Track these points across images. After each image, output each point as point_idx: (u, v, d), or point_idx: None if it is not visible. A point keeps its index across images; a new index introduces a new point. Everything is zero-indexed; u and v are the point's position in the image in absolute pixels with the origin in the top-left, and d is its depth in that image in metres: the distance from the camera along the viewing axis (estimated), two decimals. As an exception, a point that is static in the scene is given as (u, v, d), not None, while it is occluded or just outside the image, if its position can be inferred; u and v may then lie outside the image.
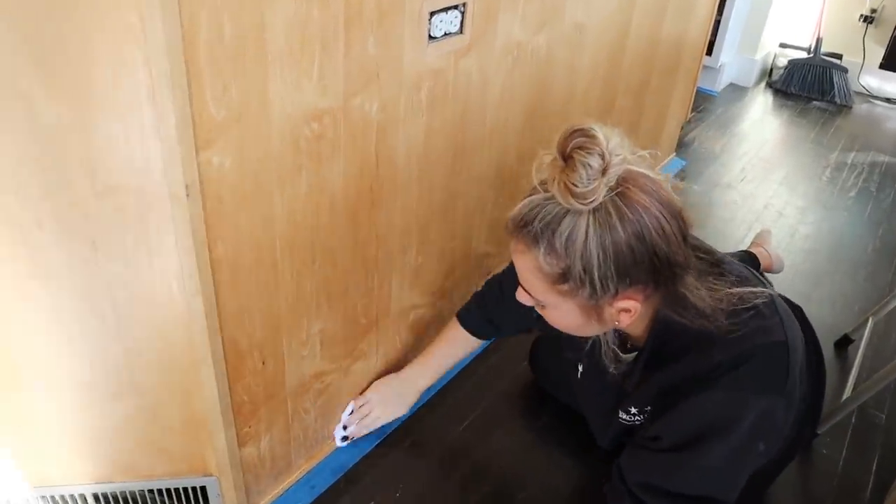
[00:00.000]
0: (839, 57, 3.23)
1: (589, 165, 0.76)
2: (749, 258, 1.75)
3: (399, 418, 1.31)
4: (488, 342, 1.52)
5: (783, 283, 1.83)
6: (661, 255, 0.80)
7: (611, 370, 1.02)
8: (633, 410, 1.05)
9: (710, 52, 3.06)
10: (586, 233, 0.78)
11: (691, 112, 2.78)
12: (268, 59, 0.81)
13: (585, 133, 0.78)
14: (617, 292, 0.83)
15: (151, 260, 0.83)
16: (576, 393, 1.24)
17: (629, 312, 0.85)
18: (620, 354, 1.02)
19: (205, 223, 0.82)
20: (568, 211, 0.79)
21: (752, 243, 1.91)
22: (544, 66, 1.37)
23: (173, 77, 0.70)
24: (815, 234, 2.09)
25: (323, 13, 0.84)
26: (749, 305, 0.88)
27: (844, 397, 1.34)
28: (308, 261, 1.01)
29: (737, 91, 3.21)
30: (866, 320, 1.56)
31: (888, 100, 3.23)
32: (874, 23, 3.16)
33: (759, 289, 0.91)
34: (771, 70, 3.38)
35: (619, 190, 0.78)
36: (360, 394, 1.30)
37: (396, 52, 0.99)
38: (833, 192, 2.35)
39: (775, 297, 0.95)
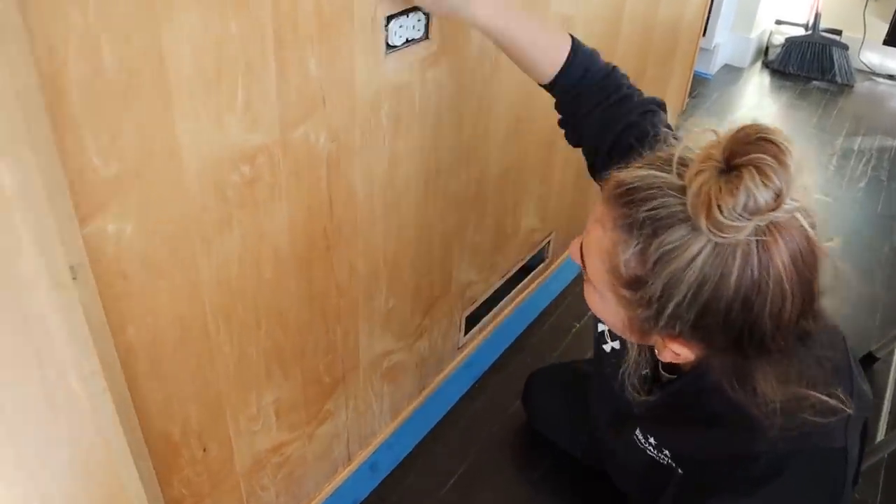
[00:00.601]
0: (839, 33, 3.06)
1: (755, 197, 0.56)
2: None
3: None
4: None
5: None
6: (756, 333, 0.62)
7: (626, 390, 0.84)
8: (652, 441, 0.89)
9: (703, 32, 2.87)
10: (692, 262, 0.60)
11: (687, 97, 2.60)
12: (172, 93, 0.62)
13: (776, 150, 0.57)
14: (679, 335, 0.65)
15: (41, 360, 0.65)
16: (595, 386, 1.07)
17: (677, 355, 0.68)
18: (641, 384, 0.84)
19: (104, 307, 0.65)
20: (689, 221, 0.60)
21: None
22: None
23: (31, 132, 0.52)
24: (826, 234, 1.93)
25: (244, 29, 0.66)
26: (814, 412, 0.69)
27: (878, 438, 1.19)
28: (251, 325, 0.84)
29: (732, 73, 3.03)
30: (894, 337, 1.40)
31: (891, 77, 3.06)
32: (874, -5, 2.99)
33: (842, 406, 0.69)
34: (767, 49, 3.20)
35: (763, 239, 0.59)
36: None
37: (346, 70, 0.81)
38: (841, 184, 2.19)
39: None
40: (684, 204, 0.60)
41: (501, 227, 1.34)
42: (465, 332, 1.38)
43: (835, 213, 2.03)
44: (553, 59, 0.90)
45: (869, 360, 1.45)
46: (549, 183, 1.47)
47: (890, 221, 2.00)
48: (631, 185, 0.64)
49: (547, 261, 1.62)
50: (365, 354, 1.09)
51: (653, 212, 0.61)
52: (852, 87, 2.95)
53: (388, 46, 0.86)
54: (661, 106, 0.96)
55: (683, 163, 0.62)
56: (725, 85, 2.90)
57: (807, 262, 0.61)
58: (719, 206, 0.56)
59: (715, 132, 0.63)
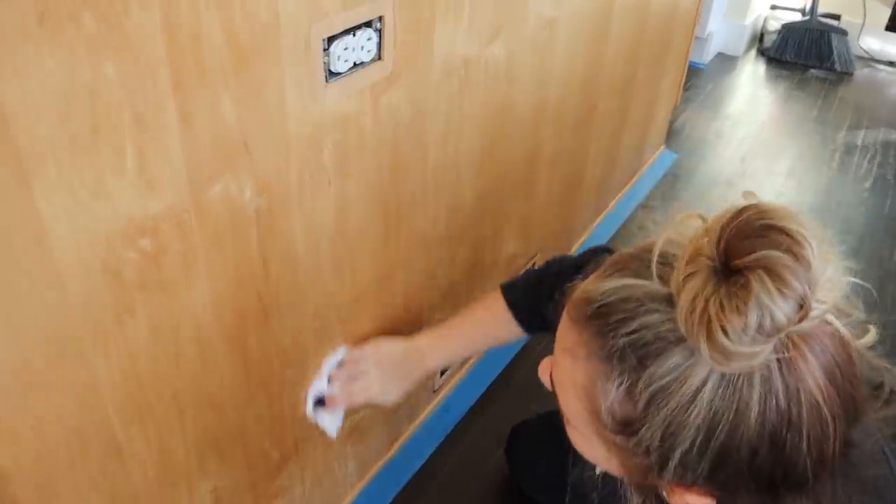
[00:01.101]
0: (837, 18, 2.91)
1: (771, 313, 0.42)
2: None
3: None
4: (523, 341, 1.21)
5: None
6: (792, 474, 0.48)
7: None
8: None
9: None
10: (695, 398, 0.45)
11: (681, 92, 2.46)
12: (26, 163, 0.48)
13: (789, 242, 0.43)
14: (692, 485, 0.50)
15: None
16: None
17: None
18: None
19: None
20: (684, 342, 0.45)
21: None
22: (504, 81, 1.04)
23: None
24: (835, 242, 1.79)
25: (127, 73, 0.51)
26: None
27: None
28: (172, 417, 0.70)
29: (726, 62, 2.89)
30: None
31: (892, 63, 2.92)
32: (874, -23, 2.84)
33: None
34: (762, 35, 3.05)
35: (786, 356, 0.45)
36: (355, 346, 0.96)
37: (273, 107, 0.66)
38: (846, 184, 2.06)
39: None
40: (672, 322, 0.46)
41: (478, 259, 1.20)
42: (441, 373, 1.25)
43: (840, 218, 1.90)
44: (506, 325, 0.95)
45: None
46: (533, 202, 1.33)
47: (899, 225, 1.87)
48: (602, 303, 0.49)
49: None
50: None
51: (635, 336, 0.47)
52: (852, 74, 2.81)
53: (331, 74, 0.71)
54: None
55: (666, 261, 0.48)
56: (720, 75, 2.76)
57: (846, 374, 0.47)
58: (724, 329, 0.42)
59: (702, 217, 0.49)
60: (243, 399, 0.78)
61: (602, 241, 1.73)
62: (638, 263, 0.51)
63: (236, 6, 0.58)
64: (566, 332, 0.54)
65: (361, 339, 0.96)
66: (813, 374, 0.45)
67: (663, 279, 0.48)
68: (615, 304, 0.49)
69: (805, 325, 0.44)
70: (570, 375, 0.53)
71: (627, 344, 0.47)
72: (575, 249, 1.65)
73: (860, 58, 2.94)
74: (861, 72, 2.85)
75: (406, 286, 1.02)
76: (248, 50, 0.61)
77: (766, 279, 0.42)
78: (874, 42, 2.95)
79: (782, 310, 0.42)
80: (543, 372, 0.62)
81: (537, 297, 0.89)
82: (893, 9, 2.72)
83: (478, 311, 0.97)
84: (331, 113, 0.73)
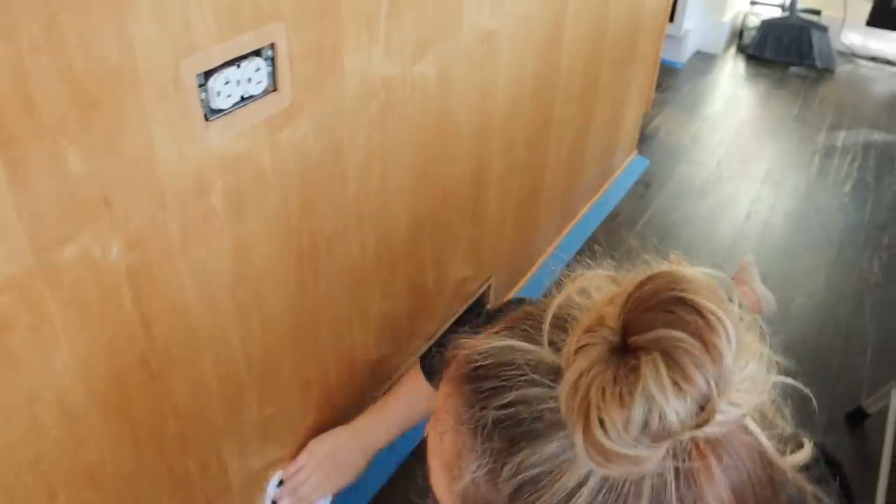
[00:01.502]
0: (817, 13, 2.84)
1: (660, 411, 0.34)
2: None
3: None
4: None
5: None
6: None
7: None
8: None
9: (671, 17, 2.65)
10: (571, 499, 0.37)
11: (654, 93, 2.38)
12: None
13: (699, 323, 0.35)
14: None
15: None
16: None
17: None
18: None
19: None
20: (563, 429, 0.38)
21: (731, 281, 1.55)
22: (437, 99, 0.97)
23: None
24: (810, 250, 1.73)
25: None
26: None
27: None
28: (41, 501, 0.63)
29: (705, 60, 2.81)
30: (888, 391, 1.20)
31: (874, 59, 2.85)
32: (855, -30, 2.77)
33: None
34: (741, 32, 2.98)
35: (685, 465, 0.37)
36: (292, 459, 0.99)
37: (138, 153, 0.59)
38: (825, 188, 1.99)
39: None
40: (555, 403, 0.38)
41: (420, 287, 1.13)
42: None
43: (818, 225, 1.83)
44: (429, 396, 0.91)
45: (859, 418, 1.26)
46: (482, 222, 1.25)
47: (879, 233, 1.80)
48: (479, 365, 0.42)
49: (489, 307, 1.41)
50: (238, 476, 0.88)
51: (508, 410, 0.39)
52: (833, 71, 2.74)
53: (212, 111, 0.64)
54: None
55: (562, 325, 0.40)
56: (698, 74, 2.68)
57: (760, 497, 0.39)
58: (602, 422, 0.34)
59: (615, 279, 0.42)
60: (132, 470, 0.71)
61: (569, 254, 1.66)
62: (531, 323, 0.43)
63: (74, 48, 0.50)
64: (441, 393, 0.47)
65: (281, 389, 0.89)
66: (717, 492, 0.37)
67: (556, 346, 0.40)
68: (492, 369, 0.41)
69: (711, 429, 0.36)
70: (438, 442, 0.46)
71: (498, 419, 0.40)
72: (537, 267, 1.58)
73: (842, 53, 2.87)
74: (843, 68, 2.78)
75: (333, 326, 0.94)
76: (98, 95, 0.53)
77: (661, 366, 0.34)
78: (856, 37, 2.87)
79: (675, 409, 0.34)
80: (429, 428, 0.55)
81: None
82: (874, 3, 2.65)
83: (403, 386, 0.99)
84: (217, 154, 0.66)
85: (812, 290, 1.60)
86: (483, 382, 0.41)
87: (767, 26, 2.81)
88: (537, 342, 0.41)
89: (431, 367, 0.92)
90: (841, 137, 2.26)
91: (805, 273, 1.65)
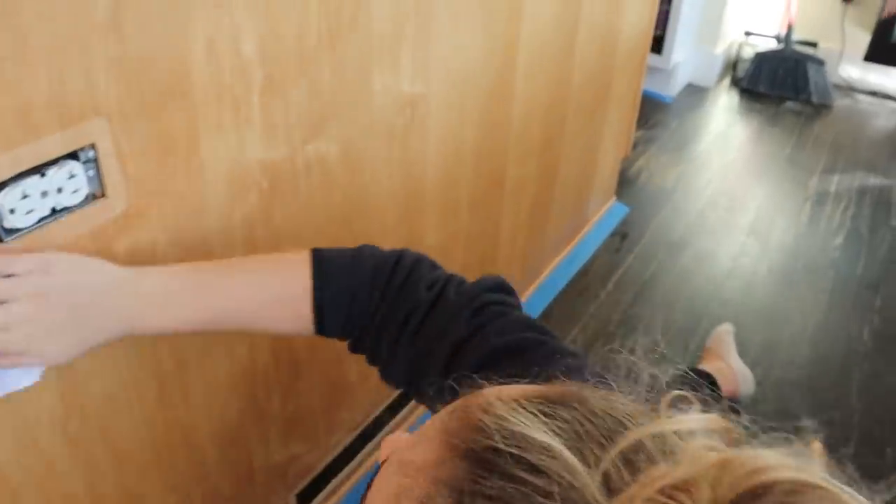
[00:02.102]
0: (814, 45, 2.71)
1: None
2: (703, 379, 1.26)
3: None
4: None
5: (751, 412, 1.34)
6: None
7: None
8: None
9: (658, 49, 2.53)
10: None
11: (637, 131, 2.26)
12: None
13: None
14: None
15: None
16: None
17: None
18: None
19: None
20: None
21: (705, 351, 1.41)
22: (342, 177, 0.85)
23: None
24: (795, 314, 1.59)
25: None
26: None
27: None
28: None
29: (696, 94, 2.69)
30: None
31: (873, 93, 2.72)
32: (853, 1, 2.64)
33: None
34: (735, 63, 2.86)
35: None
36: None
37: None
38: (815, 240, 1.85)
39: None
40: None
41: (338, 379, 1.01)
42: (304, 511, 1.05)
43: (806, 285, 1.70)
44: (294, 309, 0.60)
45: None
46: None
47: (871, 294, 1.66)
48: (497, 448, 0.30)
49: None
50: None
51: None
52: (830, 107, 2.61)
53: (7, 231, 0.52)
54: (499, 288, 0.61)
55: (630, 459, 0.28)
56: (687, 110, 2.56)
57: None
58: None
59: (726, 432, 0.30)
60: None
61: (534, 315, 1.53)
62: (591, 430, 0.30)
63: None
64: (424, 440, 0.34)
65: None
66: None
67: (610, 484, 0.28)
68: (510, 464, 0.29)
69: None
70: (390, 485, 0.33)
71: None
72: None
73: (839, 87, 2.73)
74: (840, 103, 2.65)
75: (216, 433, 0.82)
76: None
77: None
78: (854, 70, 2.74)
79: None
80: (385, 448, 0.42)
81: (364, 319, 0.60)
82: (873, 36, 2.52)
83: (264, 266, 0.62)
84: (14, 279, 0.54)
85: (794, 361, 1.46)
86: (489, 477, 0.29)
87: (762, 58, 2.69)
88: (588, 462, 0.29)
89: (328, 265, 0.60)
90: (835, 182, 2.12)
91: (788, 341, 1.51)
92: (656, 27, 2.53)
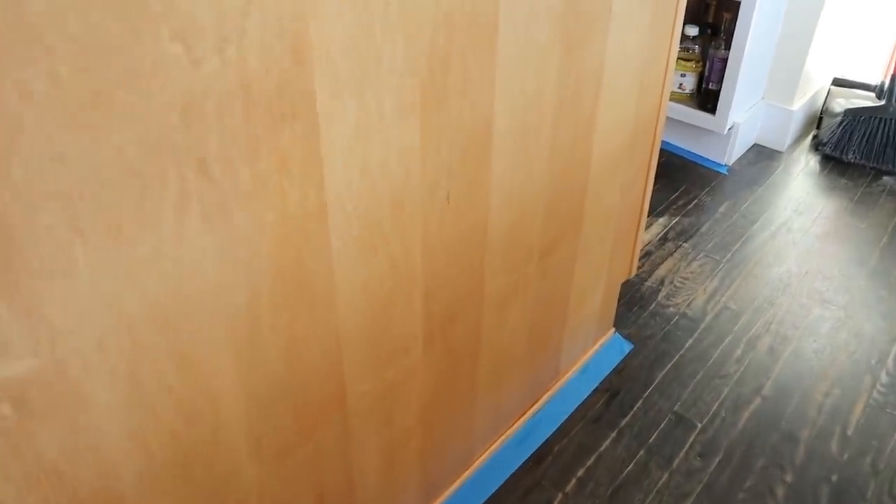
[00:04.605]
0: (928, 103, 2.06)
1: None
2: None
3: None
4: None
5: None
6: None
7: None
8: None
9: (713, 107, 1.97)
10: None
11: (666, 217, 1.73)
12: None
13: None
14: None
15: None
16: None
17: None
18: None
19: None
20: None
21: None
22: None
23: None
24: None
25: None
26: None
27: None
28: None
29: (762, 160, 2.10)
30: None
31: None
32: None
33: None
34: (820, 119, 2.24)
35: None
36: None
37: None
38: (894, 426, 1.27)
39: None
40: None
41: None
42: None
43: (871, 491, 1.13)
44: None
45: None
46: (349, 470, 0.68)
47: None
48: None
49: None
50: None
51: None
52: (948, 185, 1.96)
53: None
54: None
55: None
56: (746, 185, 1.98)
57: None
58: None
59: None
60: None
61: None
62: None
63: None
64: None
65: None
66: None
67: None
68: None
69: None
70: None
71: None
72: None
73: (964, 157, 2.07)
74: (963, 181, 1.99)
75: None
76: None
77: None
78: None
79: None
80: None
81: None
82: None
83: None
84: None
85: None
86: None
87: (854, 117, 2.07)
88: None
89: None
90: (942, 315, 1.51)
91: None
92: (711, 80, 1.97)
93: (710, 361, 1.39)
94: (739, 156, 2.11)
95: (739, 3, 1.82)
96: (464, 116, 0.75)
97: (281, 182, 0.58)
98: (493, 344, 1.03)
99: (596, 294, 1.29)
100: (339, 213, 0.65)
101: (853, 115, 2.07)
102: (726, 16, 1.93)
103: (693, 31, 1.96)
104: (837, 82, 2.20)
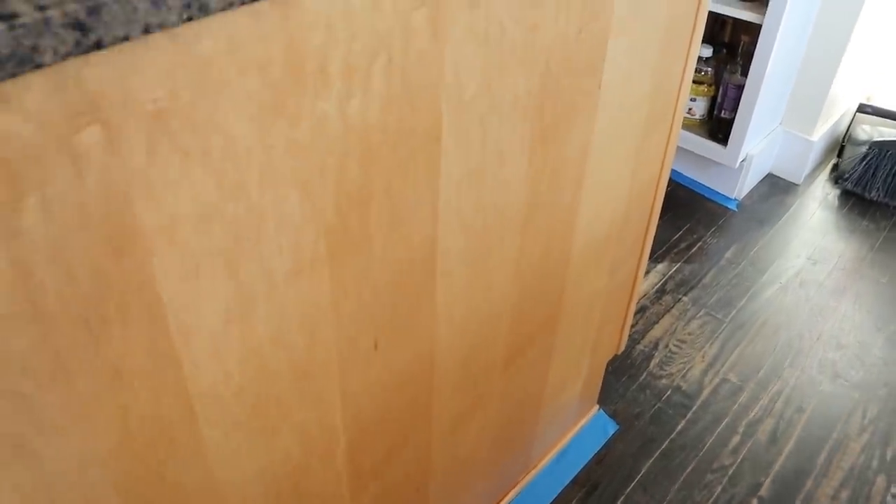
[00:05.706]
0: (964, 139, 1.88)
1: None
2: None
3: None
4: None
5: None
6: None
7: None
8: None
9: (724, 137, 1.79)
10: None
11: (665, 263, 1.57)
12: None
13: None
14: None
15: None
16: None
17: None
18: None
19: None
20: None
21: None
22: None
23: None
24: None
25: None
26: None
27: None
28: None
29: (775, 194, 1.92)
30: None
31: None
32: None
33: None
34: (841, 148, 2.05)
35: None
36: None
37: None
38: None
39: None
40: None
41: None
42: None
43: None
44: None
45: None
46: None
47: None
48: None
49: None
50: None
51: None
52: (979, 232, 1.78)
53: None
54: None
55: None
56: (757, 225, 1.81)
57: None
58: None
59: None
60: None
61: None
62: None
63: None
64: None
65: None
66: None
67: None
68: None
69: None
70: None
71: None
72: None
73: None
74: None
75: None
76: None
77: None
78: None
79: None
80: None
81: None
82: None
83: None
84: None
85: None
86: None
87: (880, 151, 1.88)
88: None
89: None
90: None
91: None
92: (724, 108, 1.79)
93: (704, 450, 1.24)
94: (752, 188, 1.93)
95: (760, 25, 1.63)
96: (393, 253, 0.59)
97: (116, 396, 0.43)
98: (448, 462, 0.88)
99: (577, 380, 1.14)
100: (213, 408, 0.50)
101: (879, 147, 1.89)
102: (744, 38, 1.73)
103: (707, 51, 1.77)
104: (863, 108, 2.01)
